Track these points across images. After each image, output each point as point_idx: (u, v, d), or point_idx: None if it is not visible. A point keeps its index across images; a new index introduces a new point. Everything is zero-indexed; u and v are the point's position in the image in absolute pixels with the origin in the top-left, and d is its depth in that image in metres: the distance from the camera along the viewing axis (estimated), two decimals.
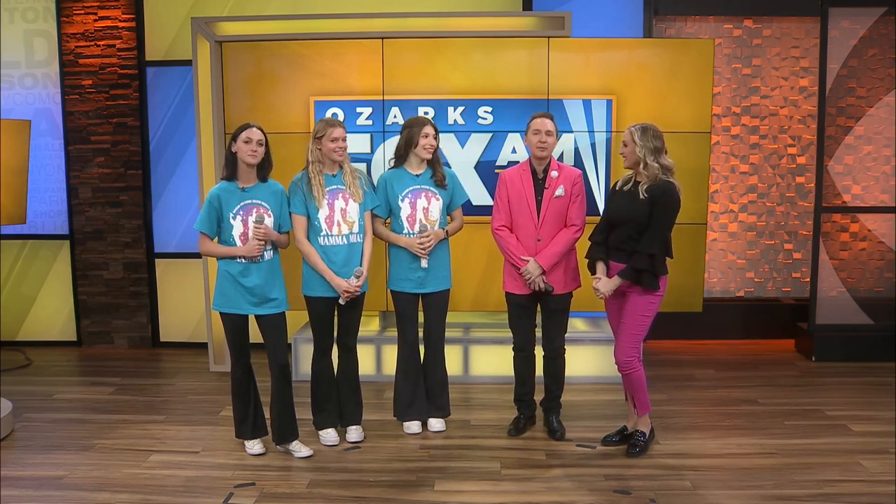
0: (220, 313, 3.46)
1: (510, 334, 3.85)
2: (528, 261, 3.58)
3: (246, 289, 3.39)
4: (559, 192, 3.60)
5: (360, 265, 3.58)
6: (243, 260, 3.39)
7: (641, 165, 3.34)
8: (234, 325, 3.46)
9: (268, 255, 3.44)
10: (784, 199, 5.76)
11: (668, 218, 3.35)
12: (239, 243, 3.39)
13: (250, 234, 3.37)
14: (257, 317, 3.47)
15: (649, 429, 3.62)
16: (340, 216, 3.55)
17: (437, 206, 3.71)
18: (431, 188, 3.71)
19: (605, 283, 3.43)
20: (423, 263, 3.68)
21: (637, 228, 3.35)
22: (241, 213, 3.38)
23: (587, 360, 4.55)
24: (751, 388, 4.59)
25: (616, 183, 3.54)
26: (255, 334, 3.53)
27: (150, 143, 5.51)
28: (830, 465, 3.42)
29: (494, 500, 3.12)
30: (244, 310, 3.43)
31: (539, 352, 3.83)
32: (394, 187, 3.69)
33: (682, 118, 4.58)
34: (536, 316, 3.82)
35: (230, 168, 3.40)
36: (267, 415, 3.65)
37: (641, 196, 3.33)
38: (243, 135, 3.35)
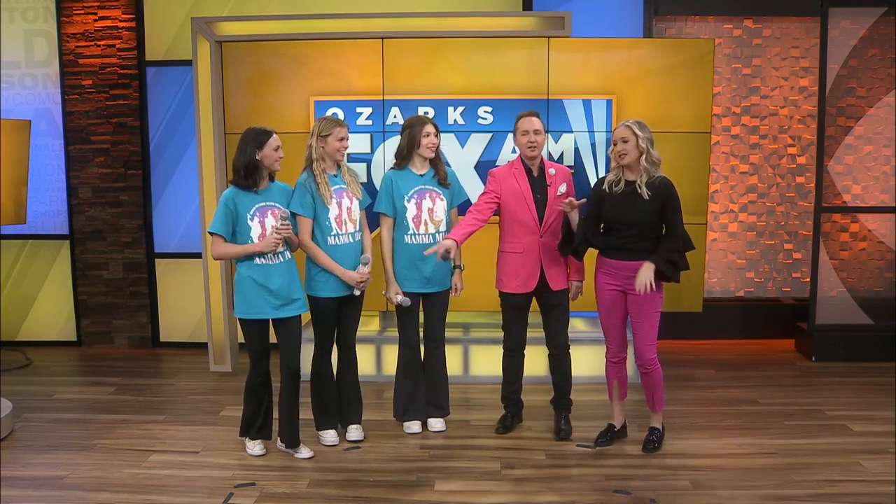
0: (242, 320, 3.41)
1: None
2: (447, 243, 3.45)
3: (270, 292, 3.35)
4: (562, 189, 3.60)
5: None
6: (261, 260, 3.35)
7: (644, 157, 3.32)
8: (257, 331, 3.42)
9: (287, 254, 3.44)
10: (784, 199, 5.76)
11: (680, 212, 3.38)
12: None
13: (268, 233, 3.35)
14: (275, 321, 3.44)
15: (662, 425, 3.66)
16: (347, 215, 3.57)
17: (441, 206, 3.72)
18: (435, 188, 3.71)
19: (642, 280, 3.29)
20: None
21: (647, 228, 3.35)
22: (257, 214, 3.36)
23: (587, 360, 4.53)
24: (751, 388, 4.59)
25: (601, 183, 3.47)
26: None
27: (150, 143, 5.51)
28: (830, 465, 3.42)
29: (494, 500, 3.12)
30: (267, 314, 3.39)
31: (543, 350, 3.84)
32: (399, 187, 3.69)
33: (682, 118, 4.58)
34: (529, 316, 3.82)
35: (253, 175, 3.33)
36: (275, 415, 3.63)
37: (645, 196, 3.31)
38: (272, 142, 3.34)
